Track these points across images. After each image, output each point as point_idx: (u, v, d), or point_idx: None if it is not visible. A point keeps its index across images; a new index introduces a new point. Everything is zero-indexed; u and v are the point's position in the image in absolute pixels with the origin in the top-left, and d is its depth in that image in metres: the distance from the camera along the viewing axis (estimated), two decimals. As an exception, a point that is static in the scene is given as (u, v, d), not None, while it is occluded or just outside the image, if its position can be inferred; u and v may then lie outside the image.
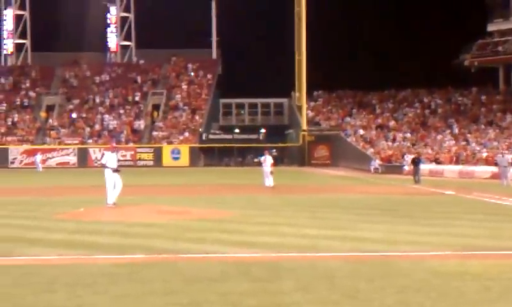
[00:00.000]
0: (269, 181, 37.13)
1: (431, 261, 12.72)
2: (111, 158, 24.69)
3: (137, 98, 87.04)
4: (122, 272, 11.67)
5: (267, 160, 37.84)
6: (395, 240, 15.60)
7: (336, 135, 76.65)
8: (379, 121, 78.49)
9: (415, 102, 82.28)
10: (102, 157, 32.57)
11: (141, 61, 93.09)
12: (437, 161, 59.92)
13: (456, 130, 72.07)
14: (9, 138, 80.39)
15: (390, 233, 16.88)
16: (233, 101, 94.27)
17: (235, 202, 26.89)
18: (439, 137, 70.81)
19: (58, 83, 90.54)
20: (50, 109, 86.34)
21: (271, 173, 37.31)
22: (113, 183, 24.13)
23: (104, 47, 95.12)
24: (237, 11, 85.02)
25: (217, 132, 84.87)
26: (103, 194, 24.69)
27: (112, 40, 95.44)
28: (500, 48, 77.62)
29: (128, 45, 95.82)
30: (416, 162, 45.32)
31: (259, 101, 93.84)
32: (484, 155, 58.85)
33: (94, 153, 76.06)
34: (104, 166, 24.81)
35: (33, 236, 16.22)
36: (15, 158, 77.43)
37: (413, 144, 69.18)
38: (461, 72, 79.18)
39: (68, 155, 77.92)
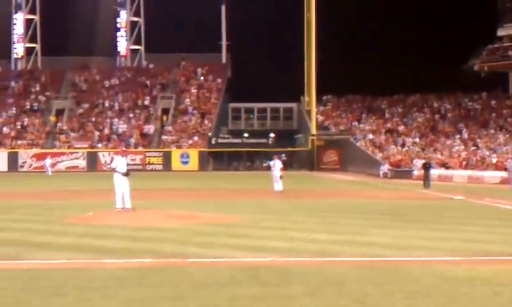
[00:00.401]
0: (278, 185, 37.11)
1: (441, 266, 12.66)
2: (120, 163, 24.67)
3: (146, 102, 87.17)
4: (131, 276, 11.67)
5: (277, 164, 37.83)
6: (405, 245, 15.55)
7: (345, 139, 76.55)
8: (389, 125, 78.34)
9: (424, 106, 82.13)
10: (111, 161, 32.60)
11: (151, 65, 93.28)
12: (446, 166, 59.74)
13: (466, 135, 71.87)
14: (19, 142, 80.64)
15: (399, 238, 16.84)
16: (243, 105, 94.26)
17: (244, 206, 26.86)
18: (448, 142, 70.62)
19: (68, 87, 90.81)
20: (59, 113, 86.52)
21: (280, 177, 37.28)
22: (122, 188, 24.11)
23: (114, 51, 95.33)
24: (247, 16, 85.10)
25: (227, 136, 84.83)
26: (112, 198, 24.70)
27: (122, 44, 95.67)
28: (510, 53, 77.37)
29: (138, 49, 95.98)
30: (426, 167, 45.38)
31: (268, 105, 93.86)
32: (494, 160, 58.66)
33: (103, 157, 76.22)
34: (113, 170, 24.83)
35: (42, 240, 16.25)
36: (24, 162, 77.65)
37: (423, 149, 69.01)
38: (470, 77, 78.96)
39: (77, 158, 78.09)
